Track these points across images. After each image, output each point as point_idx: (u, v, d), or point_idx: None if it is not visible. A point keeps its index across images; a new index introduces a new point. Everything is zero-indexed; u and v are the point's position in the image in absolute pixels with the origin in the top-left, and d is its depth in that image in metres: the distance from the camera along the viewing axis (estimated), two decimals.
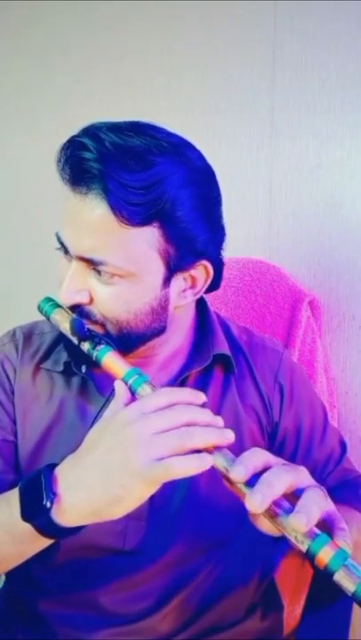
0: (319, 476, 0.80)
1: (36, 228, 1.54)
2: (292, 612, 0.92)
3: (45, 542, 0.60)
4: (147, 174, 0.63)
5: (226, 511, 0.68)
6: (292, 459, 0.80)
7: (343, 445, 0.86)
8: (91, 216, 0.63)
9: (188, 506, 0.73)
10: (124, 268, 0.65)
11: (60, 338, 0.76)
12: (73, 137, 0.65)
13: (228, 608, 0.78)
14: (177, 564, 0.74)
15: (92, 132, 0.64)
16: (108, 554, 0.73)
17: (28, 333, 0.81)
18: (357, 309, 1.15)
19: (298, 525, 0.50)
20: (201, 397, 0.59)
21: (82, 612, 0.74)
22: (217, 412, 0.75)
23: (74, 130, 0.66)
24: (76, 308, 0.68)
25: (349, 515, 0.71)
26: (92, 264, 0.65)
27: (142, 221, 0.63)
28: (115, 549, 0.72)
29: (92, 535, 0.70)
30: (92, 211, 0.63)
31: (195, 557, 0.75)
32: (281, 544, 0.88)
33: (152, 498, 0.71)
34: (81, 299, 0.67)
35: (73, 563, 0.73)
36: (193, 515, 0.73)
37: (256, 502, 0.51)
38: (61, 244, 0.68)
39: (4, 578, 0.84)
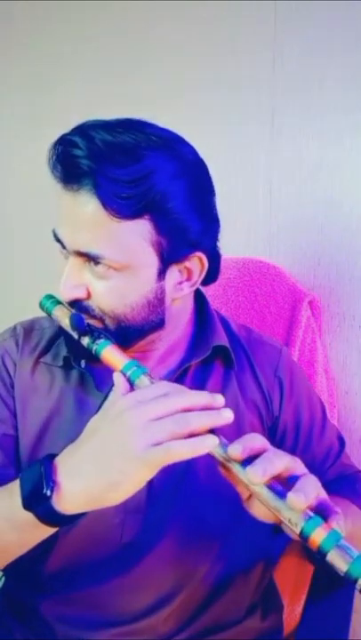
0: (318, 469, 0.80)
1: (35, 226, 1.54)
2: (292, 612, 0.92)
3: (46, 531, 0.61)
4: (136, 168, 0.64)
5: (224, 505, 0.68)
6: (292, 453, 0.79)
7: (342, 441, 0.86)
8: (83, 212, 0.65)
9: (186, 498, 0.74)
10: (118, 261, 0.66)
11: (60, 333, 0.76)
12: (63, 135, 0.66)
13: (228, 607, 0.78)
14: (176, 560, 0.74)
15: (82, 130, 0.65)
16: (106, 547, 0.73)
17: (29, 329, 0.82)
18: (357, 309, 1.15)
19: (296, 502, 0.51)
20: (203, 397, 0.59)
21: (82, 612, 0.74)
22: None
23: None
24: (75, 304, 0.69)
25: (345, 507, 0.71)
26: (88, 258, 0.66)
27: (133, 214, 0.64)
28: (112, 543, 0.73)
29: (90, 529, 0.71)
30: (84, 206, 0.64)
31: (193, 553, 0.75)
32: (280, 541, 0.88)
33: (150, 490, 0.72)
34: (79, 294, 0.68)
35: (72, 560, 0.74)
36: (191, 507, 0.74)
37: (258, 473, 0.52)
38: (58, 240, 0.69)
39: (2, 579, 0.84)
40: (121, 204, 0.63)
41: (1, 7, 1.57)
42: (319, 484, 0.55)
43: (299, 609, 0.92)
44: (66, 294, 0.69)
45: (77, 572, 0.74)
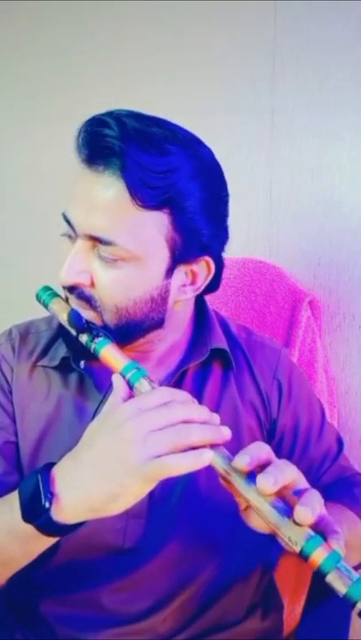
0: (316, 472, 0.80)
1: (35, 223, 1.54)
2: (292, 611, 0.92)
3: (49, 541, 0.60)
4: (164, 160, 0.64)
5: (225, 509, 0.68)
6: (290, 455, 0.80)
7: (340, 443, 0.86)
8: (105, 194, 0.64)
9: (188, 503, 0.73)
10: (131, 250, 0.64)
11: (57, 336, 0.76)
12: (94, 115, 0.65)
13: (228, 608, 0.78)
14: (177, 564, 0.74)
15: (113, 114, 0.65)
16: (108, 552, 0.73)
17: (25, 332, 0.80)
18: (357, 309, 1.15)
19: (304, 516, 0.51)
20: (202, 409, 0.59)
21: (82, 612, 0.74)
22: (216, 407, 0.76)
23: (74, 125, 0.66)
24: (75, 290, 0.68)
25: (342, 514, 0.71)
26: (99, 243, 0.65)
27: (155, 205, 0.64)
28: (115, 547, 0.72)
29: (93, 534, 0.70)
30: (107, 189, 0.63)
31: (195, 557, 0.75)
32: (280, 545, 0.88)
33: (151, 495, 0.71)
34: (82, 280, 0.66)
35: (73, 562, 0.73)
36: (192, 512, 0.74)
37: (269, 482, 0.52)
38: (68, 223, 0.67)
39: None
40: (146, 193, 0.63)
41: (1, 6, 1.57)
42: (322, 500, 0.54)
43: (299, 609, 0.92)
44: (68, 278, 0.66)
45: (78, 574, 0.74)
